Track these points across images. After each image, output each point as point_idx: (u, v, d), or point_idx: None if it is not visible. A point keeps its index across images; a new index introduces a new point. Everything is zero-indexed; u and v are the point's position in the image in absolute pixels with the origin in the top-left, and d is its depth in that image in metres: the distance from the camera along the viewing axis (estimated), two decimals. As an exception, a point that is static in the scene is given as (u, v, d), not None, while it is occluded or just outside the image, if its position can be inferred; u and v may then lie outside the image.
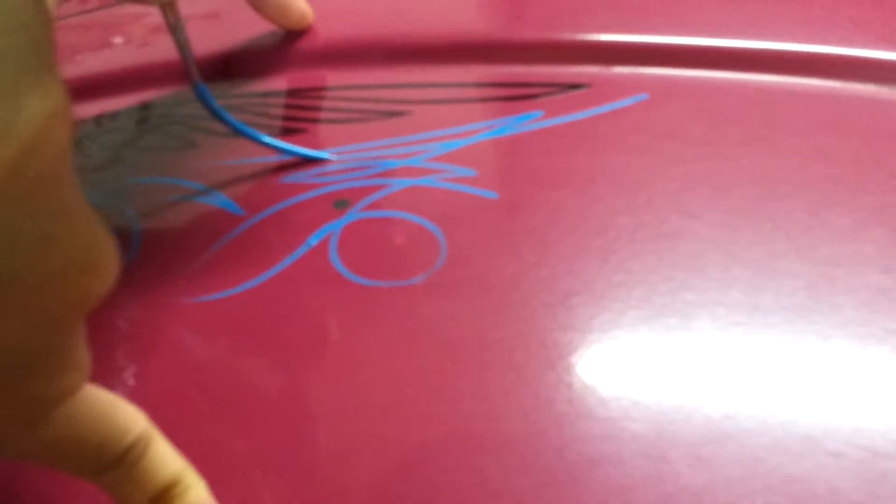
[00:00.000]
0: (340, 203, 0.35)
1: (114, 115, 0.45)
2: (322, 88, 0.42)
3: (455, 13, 0.45)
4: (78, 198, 0.19)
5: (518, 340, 0.30)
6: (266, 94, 0.43)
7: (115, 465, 0.25)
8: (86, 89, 0.47)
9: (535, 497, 0.26)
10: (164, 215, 0.37)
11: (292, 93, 0.43)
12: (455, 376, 0.29)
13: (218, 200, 0.37)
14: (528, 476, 0.26)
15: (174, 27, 0.37)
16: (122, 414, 0.25)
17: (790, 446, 0.26)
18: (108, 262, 0.20)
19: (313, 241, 0.34)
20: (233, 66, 0.45)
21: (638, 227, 0.33)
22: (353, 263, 0.33)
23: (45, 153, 0.18)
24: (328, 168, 0.37)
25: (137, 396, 0.27)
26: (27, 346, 0.19)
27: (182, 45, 0.38)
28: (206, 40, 0.46)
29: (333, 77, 0.43)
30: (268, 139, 0.39)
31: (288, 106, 0.42)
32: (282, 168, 0.38)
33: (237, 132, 0.39)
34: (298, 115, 0.41)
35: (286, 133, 0.40)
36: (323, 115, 0.40)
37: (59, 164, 0.19)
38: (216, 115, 0.38)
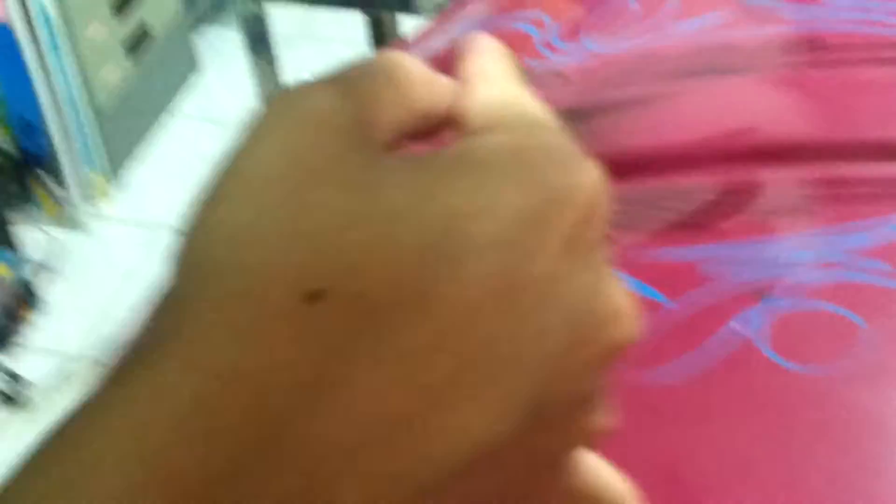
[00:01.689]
0: (761, 291, 0.37)
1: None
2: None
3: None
4: (607, 252, 0.23)
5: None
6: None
7: None
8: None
9: None
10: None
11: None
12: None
13: (637, 287, 0.40)
14: None
15: None
16: (615, 475, 0.27)
17: None
18: (635, 316, 0.23)
19: (737, 326, 0.36)
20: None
21: None
22: (783, 350, 0.35)
23: (600, 210, 0.21)
24: (747, 257, 0.39)
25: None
26: (582, 385, 0.22)
27: None
28: None
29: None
30: None
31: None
32: (699, 256, 0.40)
33: None
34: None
35: None
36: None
37: (605, 222, 0.22)
38: None
